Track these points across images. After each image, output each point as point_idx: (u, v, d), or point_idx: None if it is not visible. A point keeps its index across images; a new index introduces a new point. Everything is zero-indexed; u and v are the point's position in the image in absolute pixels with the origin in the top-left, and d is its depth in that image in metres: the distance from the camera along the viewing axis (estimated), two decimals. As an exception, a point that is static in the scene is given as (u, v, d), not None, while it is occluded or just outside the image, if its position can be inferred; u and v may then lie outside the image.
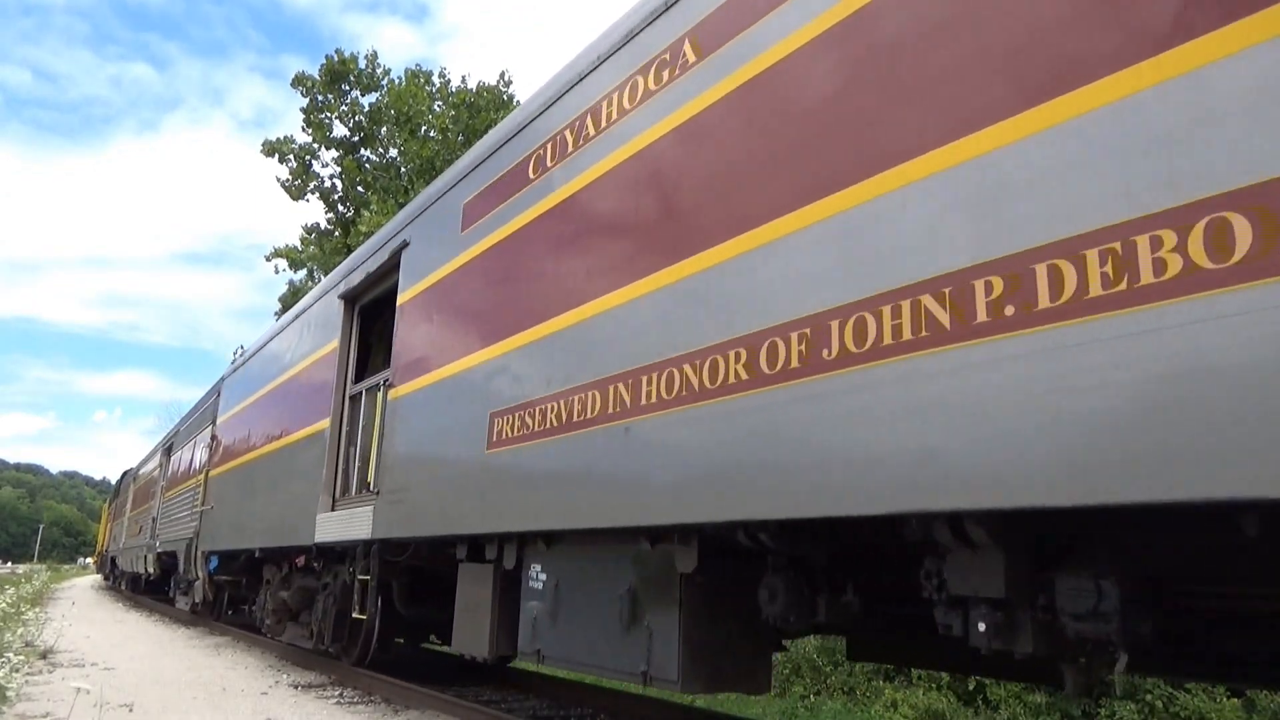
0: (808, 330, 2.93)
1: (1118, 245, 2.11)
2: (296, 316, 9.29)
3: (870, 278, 2.74)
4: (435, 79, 24.56)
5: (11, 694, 6.00)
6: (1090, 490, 2.07)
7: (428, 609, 7.40)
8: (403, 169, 23.73)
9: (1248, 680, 4.02)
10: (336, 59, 24.16)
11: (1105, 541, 2.49)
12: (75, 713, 5.46)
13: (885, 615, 3.41)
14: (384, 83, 24.45)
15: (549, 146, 4.83)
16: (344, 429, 7.52)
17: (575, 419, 4.09)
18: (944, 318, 2.48)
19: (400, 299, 6.51)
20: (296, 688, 7.66)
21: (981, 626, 2.50)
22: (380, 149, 24.52)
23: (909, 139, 2.71)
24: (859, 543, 3.21)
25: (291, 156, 24.66)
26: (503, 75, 24.83)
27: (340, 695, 7.23)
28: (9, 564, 72.07)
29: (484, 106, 23.37)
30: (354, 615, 6.34)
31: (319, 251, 24.38)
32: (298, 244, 25.49)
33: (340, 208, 24.96)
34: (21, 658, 7.39)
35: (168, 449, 18.95)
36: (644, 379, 3.68)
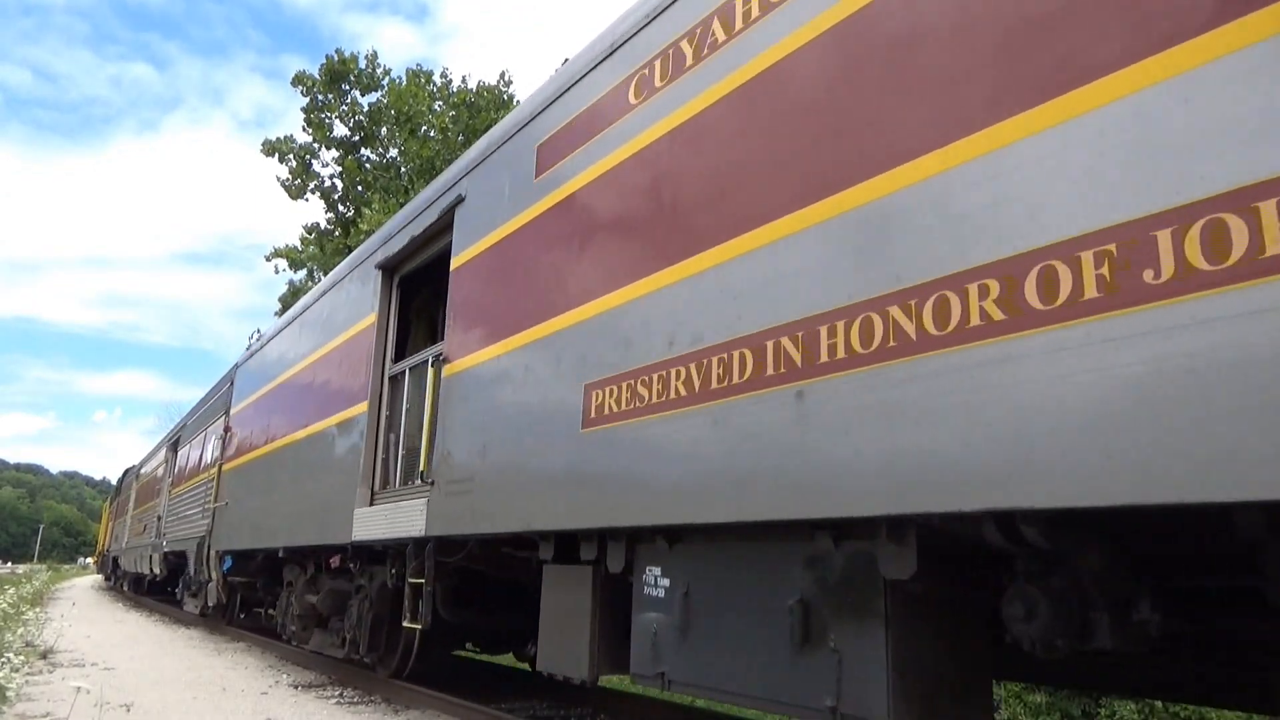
0: (1112, 247, 2.10)
1: None
2: (324, 293, 8.44)
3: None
4: (436, 79, 24.52)
5: (11, 694, 5.95)
6: None
7: (470, 614, 6.66)
8: (403, 169, 23.74)
9: None
10: (336, 59, 24.05)
11: None
12: (75, 712, 5.43)
13: (1197, 637, 2.59)
14: (384, 82, 24.51)
15: (656, 64, 4.00)
16: (384, 414, 6.69)
17: (715, 385, 3.27)
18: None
19: (454, 262, 5.68)
20: (296, 687, 7.61)
21: None
22: (381, 149, 24.60)
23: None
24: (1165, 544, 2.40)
25: (292, 156, 24.55)
26: (503, 75, 24.80)
27: (340, 695, 7.20)
28: (9, 564, 71.59)
29: (484, 106, 23.40)
30: (405, 624, 5.50)
31: (319, 252, 24.47)
32: (298, 244, 25.49)
33: (340, 208, 24.93)
34: (22, 658, 7.35)
35: (174, 444, 18.15)
36: (823, 330, 2.86)
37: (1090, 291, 2.13)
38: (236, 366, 12.00)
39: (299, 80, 24.20)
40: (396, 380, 6.75)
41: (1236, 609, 2.77)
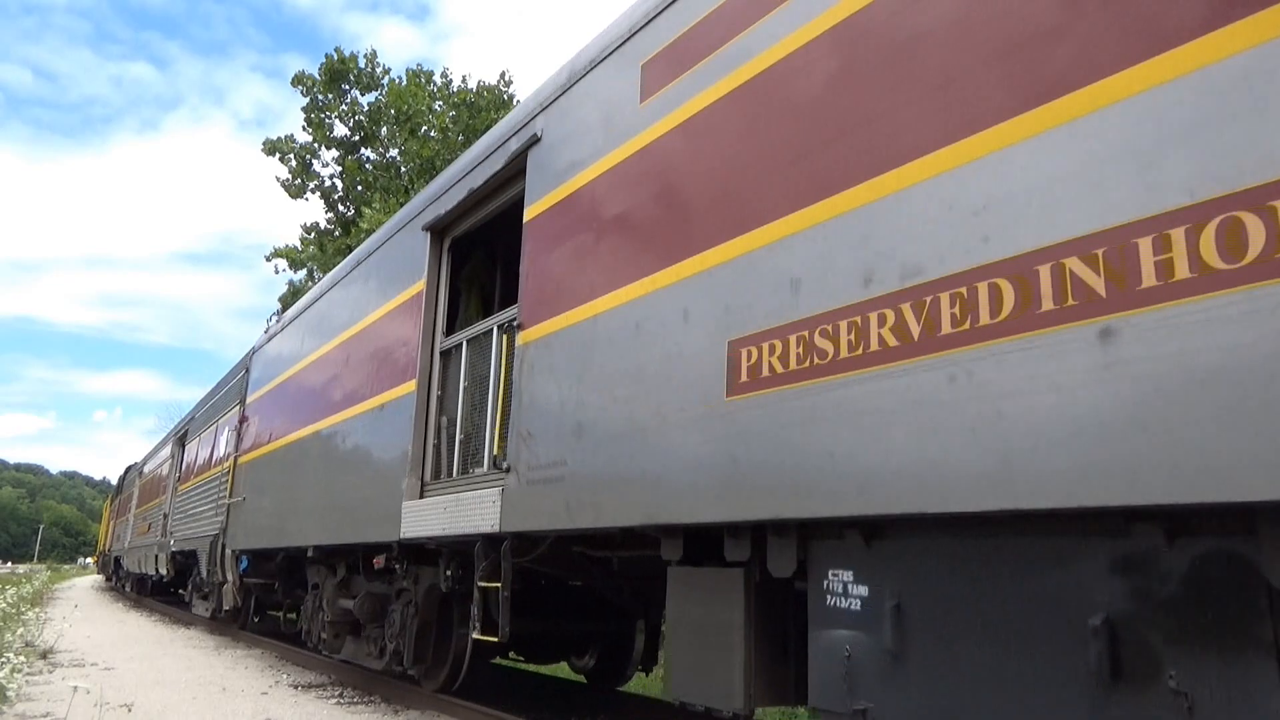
0: None
1: None
2: (357, 264, 7.59)
3: None
4: (436, 78, 24.30)
5: (12, 694, 5.95)
6: None
7: (534, 622, 5.90)
8: (403, 169, 23.51)
9: None
10: (336, 58, 23.83)
11: None
12: (75, 712, 5.41)
13: None
14: (384, 82, 24.25)
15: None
16: (436, 393, 5.86)
17: (951, 330, 2.44)
18: None
19: (529, 212, 4.86)
20: (296, 687, 7.55)
21: None
22: (381, 149, 24.37)
23: None
24: None
25: (292, 156, 24.42)
26: (503, 75, 24.48)
27: (340, 695, 7.14)
28: (9, 564, 71.03)
29: (484, 106, 23.09)
30: (475, 635, 4.66)
31: (319, 252, 24.21)
32: (298, 244, 25.28)
33: (340, 208, 24.78)
34: (22, 658, 7.34)
35: (180, 438, 17.31)
36: (1145, 244, 2.04)
37: None
38: (253, 351, 11.16)
39: (299, 81, 24.05)
40: (450, 356, 5.92)
41: None
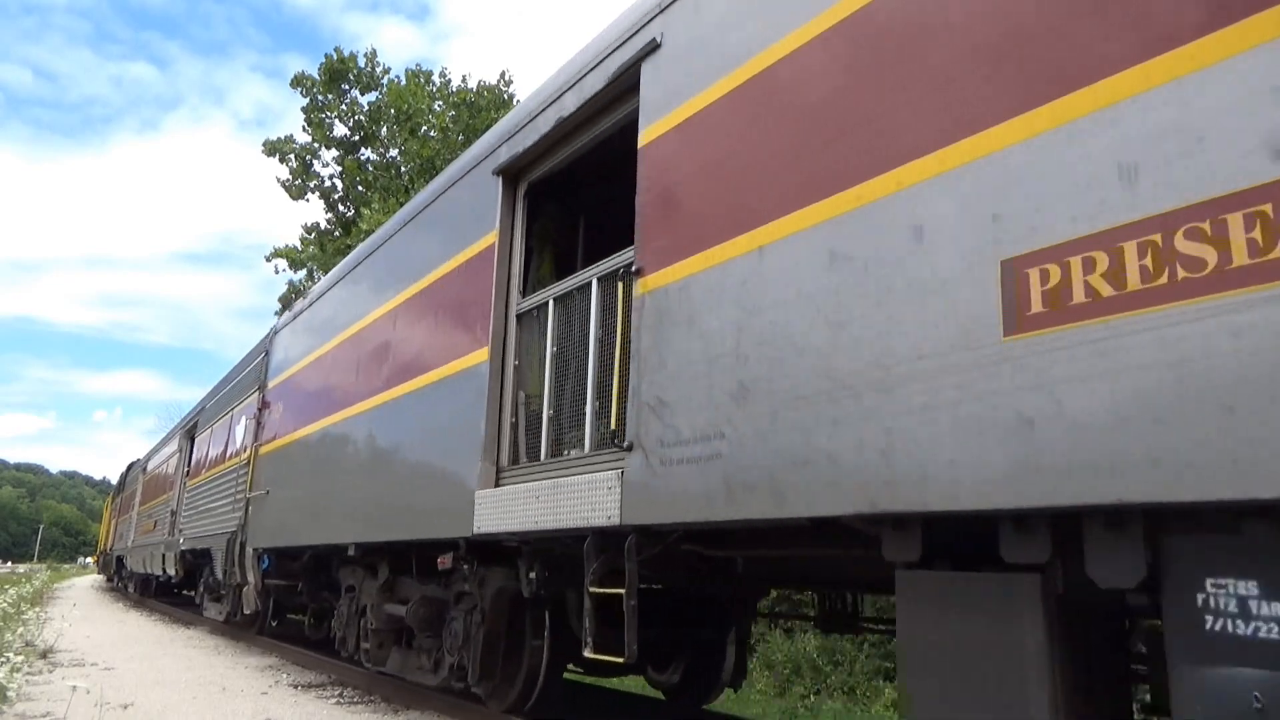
0: None
1: None
2: (407, 221, 6.68)
3: None
4: (435, 78, 24.25)
5: (11, 693, 5.95)
6: None
7: (604, 630, 5.01)
8: (403, 169, 23.49)
9: None
10: (336, 58, 23.66)
11: None
12: (75, 712, 5.39)
13: None
14: (384, 82, 24.26)
15: None
16: (513, 363, 4.97)
17: None
18: None
19: (646, 135, 3.96)
20: (296, 687, 7.51)
21: None
22: (381, 149, 24.39)
23: None
24: None
25: (292, 156, 24.32)
26: (503, 75, 24.43)
27: (340, 695, 7.10)
28: (9, 564, 70.32)
29: (484, 106, 23.09)
30: (587, 654, 3.76)
31: (319, 252, 24.28)
32: (298, 244, 25.18)
33: (340, 208, 24.71)
34: (21, 657, 7.33)
35: (189, 431, 16.41)
36: None
37: None
38: (274, 332, 10.25)
39: (298, 82, 23.88)
40: (529, 320, 5.02)
41: None
